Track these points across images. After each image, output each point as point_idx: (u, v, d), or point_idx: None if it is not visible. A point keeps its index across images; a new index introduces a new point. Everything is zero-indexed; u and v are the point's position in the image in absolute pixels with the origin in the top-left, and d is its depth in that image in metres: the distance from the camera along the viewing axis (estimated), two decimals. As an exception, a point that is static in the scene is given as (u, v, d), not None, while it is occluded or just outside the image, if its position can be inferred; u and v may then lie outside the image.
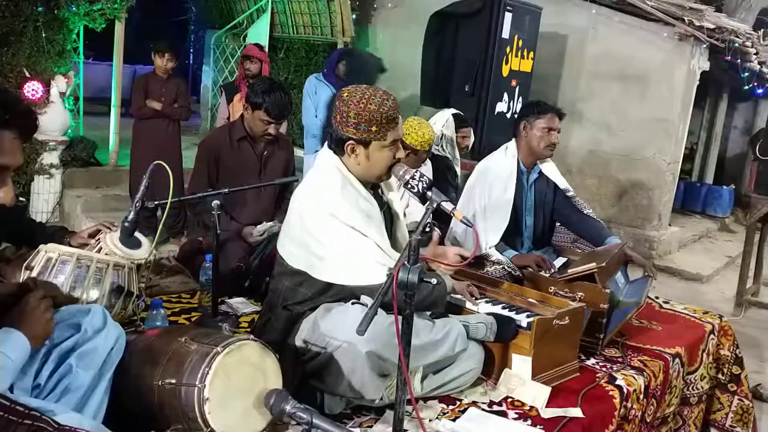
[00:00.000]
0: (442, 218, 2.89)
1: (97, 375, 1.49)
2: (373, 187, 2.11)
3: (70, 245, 2.24)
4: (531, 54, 5.69)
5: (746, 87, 7.46)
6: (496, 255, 2.92)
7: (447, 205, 1.81)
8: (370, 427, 1.82)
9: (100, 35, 5.82)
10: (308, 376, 1.88)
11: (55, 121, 5.38)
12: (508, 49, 5.41)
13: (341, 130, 1.96)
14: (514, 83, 5.57)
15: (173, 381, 1.41)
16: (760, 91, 8.45)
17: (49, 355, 1.49)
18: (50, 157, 5.50)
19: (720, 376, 3.04)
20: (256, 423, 1.49)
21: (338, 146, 2.00)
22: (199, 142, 3.32)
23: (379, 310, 1.90)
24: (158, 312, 2.12)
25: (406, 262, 1.51)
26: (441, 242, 3.20)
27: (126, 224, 2.24)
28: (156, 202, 2.31)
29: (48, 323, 1.44)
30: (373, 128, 1.93)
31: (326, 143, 2.09)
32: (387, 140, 1.96)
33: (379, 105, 1.92)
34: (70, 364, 1.47)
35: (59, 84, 5.34)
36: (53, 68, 5.30)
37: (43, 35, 5.13)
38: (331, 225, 1.92)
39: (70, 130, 5.64)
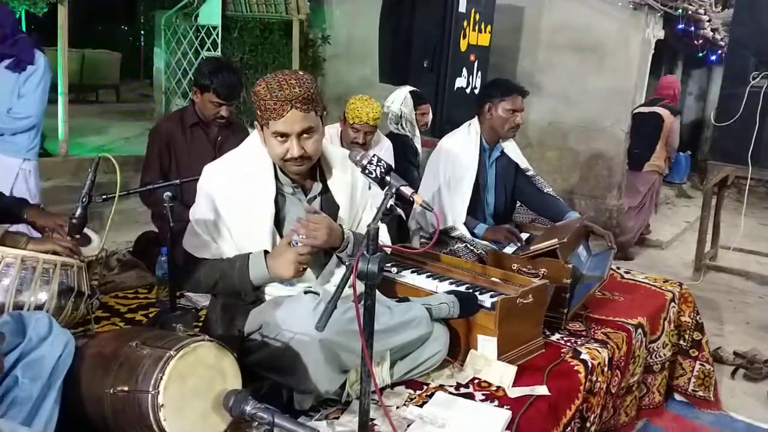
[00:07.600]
0: (403, 199, 2.86)
1: (46, 385, 1.40)
2: (312, 173, 2.00)
3: (34, 225, 2.22)
4: (488, 27, 5.64)
5: (700, 54, 7.56)
6: (462, 230, 2.93)
7: (406, 190, 1.75)
8: (337, 418, 1.78)
9: (43, 19, 5.55)
10: (256, 366, 1.80)
11: (-1, 111, 5.16)
12: (465, 23, 5.35)
13: None
14: (472, 58, 5.52)
15: (126, 388, 1.35)
16: (713, 57, 8.60)
17: (-8, 367, 1.41)
18: (-4, 149, 5.26)
19: (681, 342, 3.11)
20: (216, 425, 1.44)
21: None
22: (150, 130, 3.20)
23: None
24: None
25: (365, 252, 1.47)
26: (403, 223, 3.20)
27: (74, 221, 2.14)
28: (104, 196, 2.22)
29: None
30: (258, 112, 1.84)
31: None
32: (270, 129, 1.83)
33: (266, 89, 1.78)
34: (16, 375, 1.39)
35: (1, 72, 5.11)
36: (-6, 56, 5.05)
37: (-20, 21, 4.88)
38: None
39: (15, 120, 5.41)
